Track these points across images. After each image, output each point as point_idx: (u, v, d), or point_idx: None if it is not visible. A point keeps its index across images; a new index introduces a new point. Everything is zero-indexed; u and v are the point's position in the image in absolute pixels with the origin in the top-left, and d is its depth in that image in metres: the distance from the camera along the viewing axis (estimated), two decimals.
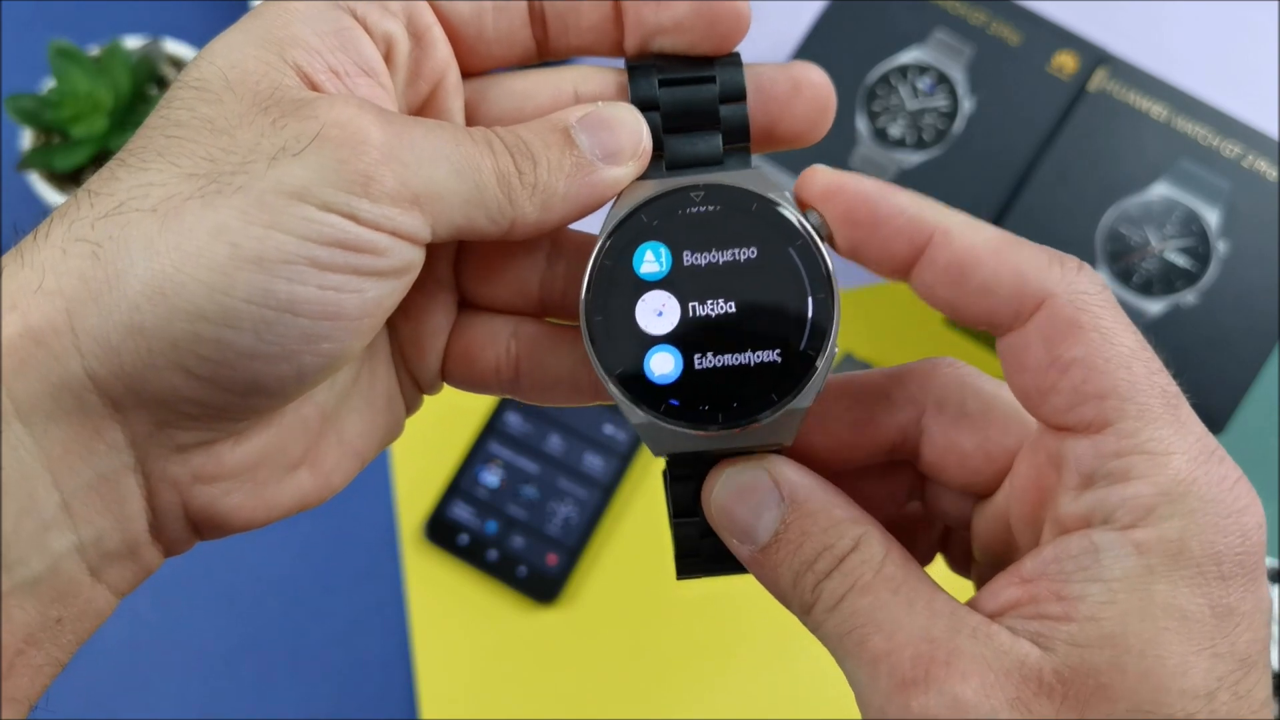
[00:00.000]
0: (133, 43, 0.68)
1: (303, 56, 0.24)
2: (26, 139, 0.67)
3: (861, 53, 0.63)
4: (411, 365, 0.29)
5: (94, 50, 0.68)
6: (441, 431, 0.66)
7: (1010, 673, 0.22)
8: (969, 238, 0.25)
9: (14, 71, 0.74)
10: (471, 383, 0.29)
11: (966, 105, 0.62)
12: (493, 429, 0.65)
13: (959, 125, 0.61)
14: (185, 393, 0.23)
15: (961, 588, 0.29)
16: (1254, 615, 0.23)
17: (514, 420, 0.66)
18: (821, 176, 0.26)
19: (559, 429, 0.65)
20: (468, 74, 0.28)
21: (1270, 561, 0.59)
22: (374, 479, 0.66)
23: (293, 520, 0.73)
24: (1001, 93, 0.62)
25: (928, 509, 0.30)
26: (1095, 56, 0.62)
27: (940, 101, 0.62)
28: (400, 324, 0.29)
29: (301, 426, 0.27)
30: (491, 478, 0.65)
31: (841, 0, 0.64)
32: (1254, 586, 0.23)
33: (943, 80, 0.62)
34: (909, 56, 0.63)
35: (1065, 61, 0.62)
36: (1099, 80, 0.61)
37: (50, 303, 0.22)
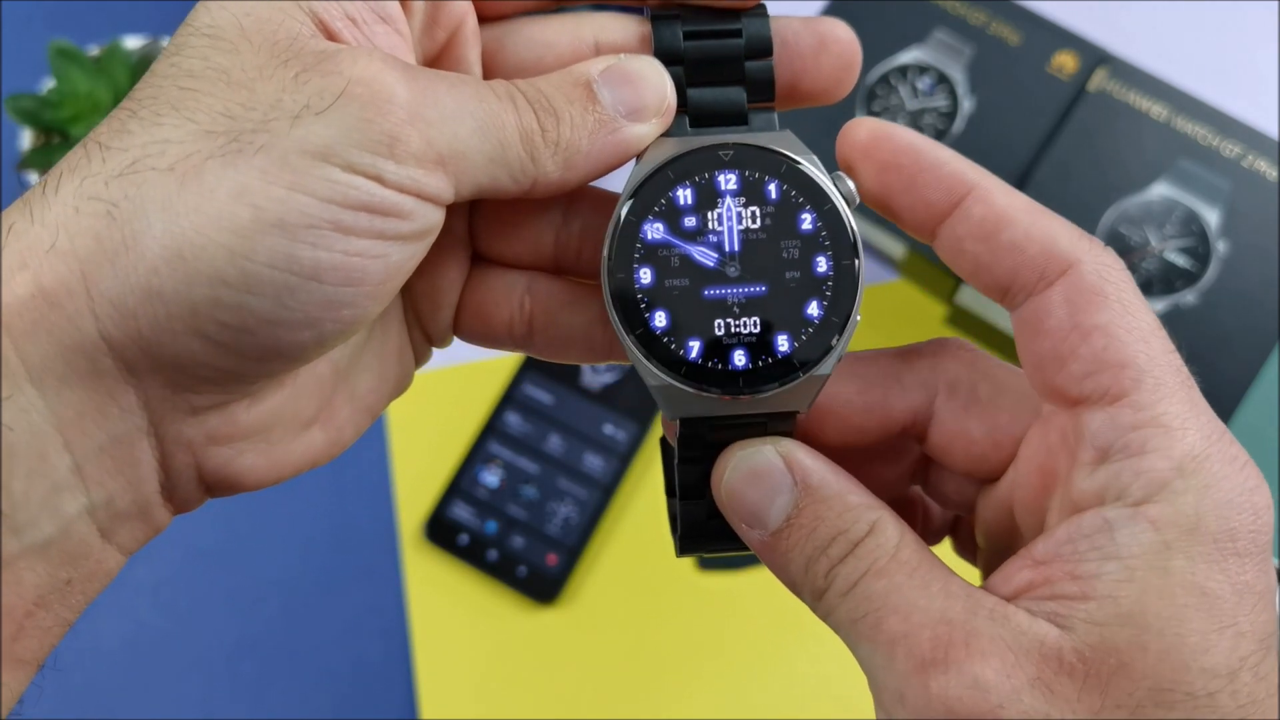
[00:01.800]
0: (133, 43, 0.68)
1: (319, 3, 0.24)
2: (26, 139, 0.67)
3: (862, 53, 0.63)
4: (424, 320, 0.29)
5: (94, 50, 0.68)
6: (441, 431, 0.66)
7: (1030, 653, 0.22)
8: (1006, 197, 0.25)
9: (14, 71, 0.74)
10: (484, 338, 0.29)
11: (966, 105, 0.62)
12: (493, 429, 0.65)
13: (959, 125, 0.61)
14: (202, 357, 0.22)
15: (968, 574, 0.29)
16: (1268, 595, 0.22)
17: (514, 420, 0.66)
18: (868, 123, 0.26)
19: (559, 429, 0.65)
20: (485, 19, 0.28)
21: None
22: (374, 479, 0.66)
23: (293, 520, 0.73)
24: (1001, 93, 0.62)
25: (930, 493, 0.30)
26: (1095, 56, 0.62)
27: (940, 101, 0.62)
28: (414, 279, 0.28)
29: (316, 385, 0.27)
30: (491, 478, 0.65)
31: (841, 0, 0.64)
32: (1267, 566, 0.23)
33: (943, 80, 0.62)
34: (909, 56, 0.63)
35: (1065, 61, 0.62)
36: (1099, 80, 0.61)
37: (64, 263, 0.21)
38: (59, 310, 0.21)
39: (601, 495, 0.64)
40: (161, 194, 0.22)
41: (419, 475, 0.66)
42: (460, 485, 0.65)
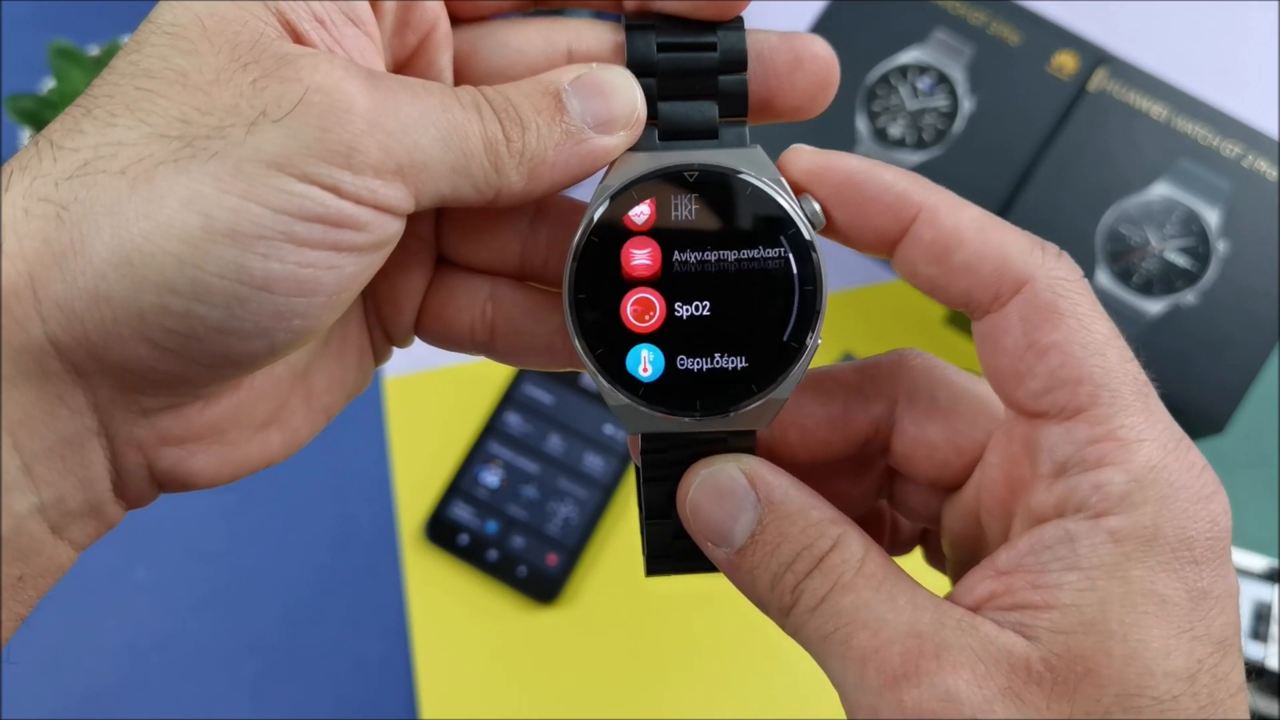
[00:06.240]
0: None
1: (286, 3, 0.23)
2: (26, 139, 0.67)
3: (861, 53, 0.63)
4: (385, 321, 0.29)
5: (94, 50, 0.68)
6: (441, 431, 0.66)
7: (999, 662, 0.22)
8: (955, 215, 0.25)
9: (14, 71, 0.74)
10: (445, 340, 0.29)
11: (966, 105, 0.62)
12: (493, 429, 0.65)
13: (959, 125, 0.61)
14: (151, 362, 0.22)
15: (938, 583, 0.29)
16: (1226, 599, 0.23)
17: (514, 420, 0.66)
18: (806, 157, 0.26)
19: (559, 429, 0.65)
20: (458, 20, 0.27)
21: (1271, 561, 0.59)
22: (374, 479, 0.66)
23: (293, 520, 0.73)
24: (1001, 93, 0.62)
25: (896, 506, 0.30)
26: (1095, 56, 0.62)
27: (940, 101, 0.62)
28: (377, 281, 0.28)
29: (273, 387, 0.26)
30: (491, 478, 0.65)
31: (841, 0, 0.64)
32: (1224, 571, 0.23)
33: (943, 80, 0.62)
34: (909, 56, 0.63)
35: (1065, 61, 0.62)
36: (1099, 80, 0.61)
37: (11, 265, 0.21)
38: (6, 313, 0.21)
39: (601, 495, 0.64)
40: (112, 198, 0.21)
41: (419, 475, 0.66)
42: (460, 485, 0.65)
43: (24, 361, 0.21)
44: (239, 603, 0.64)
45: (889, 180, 0.25)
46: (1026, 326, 0.24)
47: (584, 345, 0.26)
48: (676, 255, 0.25)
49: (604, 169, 0.26)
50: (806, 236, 0.25)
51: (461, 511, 0.64)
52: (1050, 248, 0.25)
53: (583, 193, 0.27)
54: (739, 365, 0.26)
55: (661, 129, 0.26)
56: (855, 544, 0.24)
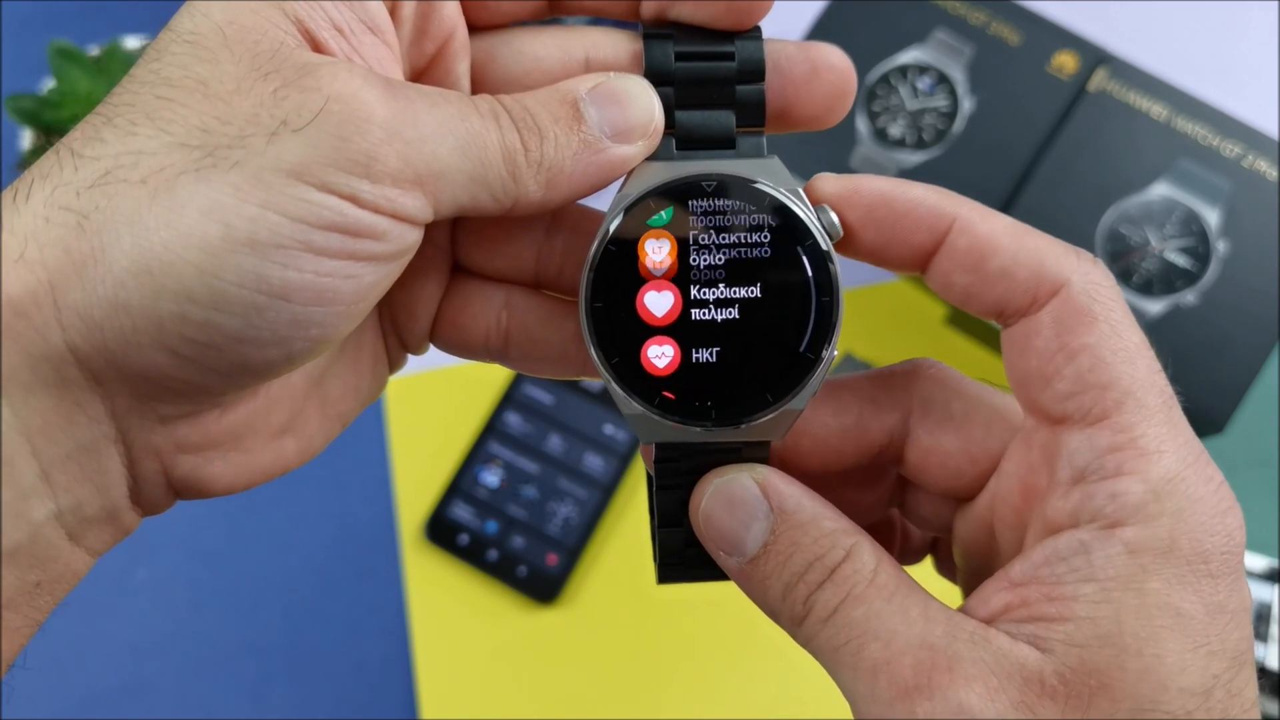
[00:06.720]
0: (133, 43, 0.68)
1: (305, 10, 0.23)
2: (26, 139, 0.67)
3: (861, 53, 0.63)
4: (400, 328, 0.29)
5: (94, 50, 0.68)
6: (441, 431, 0.66)
7: (1012, 676, 0.22)
8: (988, 223, 0.25)
9: (14, 71, 0.74)
10: (460, 348, 0.29)
11: (966, 105, 0.62)
12: (493, 429, 0.65)
13: (959, 125, 0.61)
14: (169, 371, 0.22)
15: (948, 593, 0.29)
16: (1240, 613, 0.23)
17: (514, 420, 0.66)
18: (831, 184, 0.26)
19: (559, 429, 0.65)
20: (476, 28, 0.27)
21: (1271, 561, 0.59)
22: (374, 479, 0.66)
23: (294, 521, 0.73)
24: (1001, 93, 0.62)
25: (907, 515, 0.30)
26: (1095, 56, 0.62)
27: (940, 101, 0.62)
28: (393, 289, 0.28)
29: (288, 395, 0.26)
30: (491, 478, 0.65)
31: (841, 0, 0.64)
32: (1239, 585, 0.23)
33: (943, 80, 0.62)
34: (909, 56, 0.63)
35: (1065, 61, 0.62)
36: (1099, 80, 0.61)
37: (32, 273, 0.21)
38: (25, 320, 0.21)
39: (601, 495, 0.64)
40: (132, 207, 0.21)
41: (419, 475, 0.66)
42: (460, 485, 0.65)
43: (43, 369, 0.22)
44: (239, 603, 0.64)
45: (919, 195, 0.25)
46: (1059, 329, 0.24)
47: (600, 354, 0.26)
48: (693, 265, 0.25)
49: (621, 178, 0.26)
50: (823, 247, 0.25)
51: (461, 511, 0.64)
52: (1085, 253, 0.25)
53: (599, 201, 0.27)
54: (755, 375, 0.26)
55: (679, 138, 0.26)
56: (867, 555, 0.24)
